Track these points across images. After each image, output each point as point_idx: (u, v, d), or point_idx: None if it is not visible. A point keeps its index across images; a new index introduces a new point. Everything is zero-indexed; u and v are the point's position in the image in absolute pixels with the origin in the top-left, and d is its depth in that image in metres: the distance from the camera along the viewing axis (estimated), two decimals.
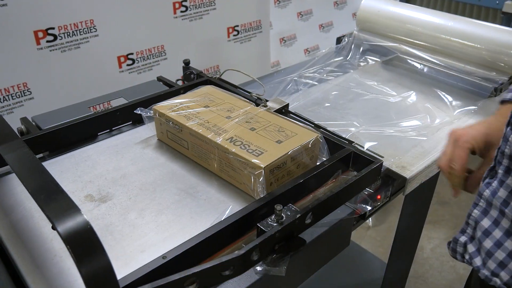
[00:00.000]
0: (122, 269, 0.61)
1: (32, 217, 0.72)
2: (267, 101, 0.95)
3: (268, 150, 0.76)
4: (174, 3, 1.67)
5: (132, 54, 1.63)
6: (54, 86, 1.47)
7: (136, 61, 1.66)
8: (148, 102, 0.96)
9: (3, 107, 1.41)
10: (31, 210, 0.73)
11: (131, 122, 1.00)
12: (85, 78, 1.52)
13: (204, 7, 1.76)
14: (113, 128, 0.98)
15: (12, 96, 1.41)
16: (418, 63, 1.27)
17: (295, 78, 1.17)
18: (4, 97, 1.39)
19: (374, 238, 2.11)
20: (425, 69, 1.26)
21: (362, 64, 1.32)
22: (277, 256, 0.65)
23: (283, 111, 0.94)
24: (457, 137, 0.73)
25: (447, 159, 0.73)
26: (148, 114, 0.92)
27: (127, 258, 0.65)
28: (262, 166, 0.72)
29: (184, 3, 1.69)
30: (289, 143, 0.78)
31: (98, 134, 0.95)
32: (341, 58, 1.35)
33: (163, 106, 0.90)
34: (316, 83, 1.19)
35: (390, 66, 1.32)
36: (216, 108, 0.89)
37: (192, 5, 1.72)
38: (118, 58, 1.61)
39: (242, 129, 0.82)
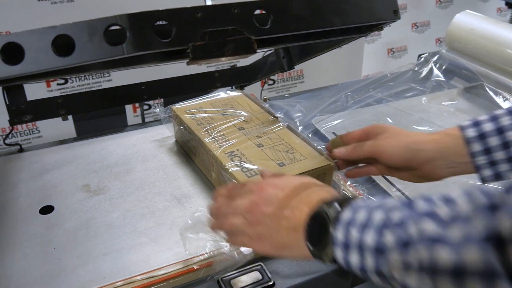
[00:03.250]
0: (80, 268, 0.61)
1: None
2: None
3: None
4: None
5: None
6: None
7: None
8: None
9: None
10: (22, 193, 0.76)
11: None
12: None
13: None
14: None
15: None
16: (506, 97, 1.08)
17: (346, 94, 1.06)
18: None
19: None
20: None
21: (437, 87, 1.16)
22: None
23: None
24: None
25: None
26: (166, 114, 0.88)
27: (89, 258, 0.63)
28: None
29: None
30: (292, 167, 0.70)
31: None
32: (415, 78, 1.20)
33: (181, 107, 0.86)
34: (374, 103, 1.07)
35: (470, 95, 1.14)
36: (233, 116, 0.84)
37: None
38: None
39: (248, 144, 0.75)
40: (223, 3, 0.50)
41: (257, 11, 0.51)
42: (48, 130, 1.59)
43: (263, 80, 1.02)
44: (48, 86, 1.50)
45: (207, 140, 0.76)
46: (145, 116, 1.58)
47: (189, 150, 0.85)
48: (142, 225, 0.69)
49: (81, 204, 0.73)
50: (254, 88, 1.11)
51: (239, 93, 0.94)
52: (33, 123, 1.56)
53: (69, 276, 0.61)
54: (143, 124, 0.99)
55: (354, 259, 0.40)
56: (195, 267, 0.60)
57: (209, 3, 0.58)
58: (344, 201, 0.43)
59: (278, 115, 0.85)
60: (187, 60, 0.49)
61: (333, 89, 1.12)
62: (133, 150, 0.87)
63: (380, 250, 0.37)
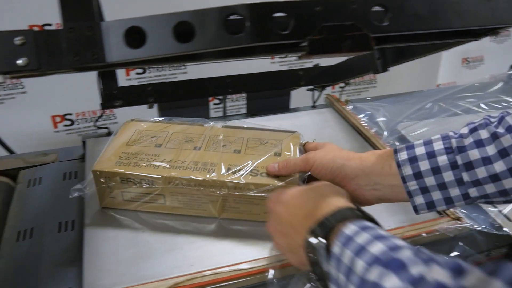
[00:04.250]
0: (168, 253, 0.62)
1: None
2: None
3: None
4: None
5: None
6: None
7: None
8: None
9: None
10: None
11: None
12: None
13: None
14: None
15: None
16: None
17: (433, 101, 1.02)
18: None
19: None
20: None
21: None
22: None
23: None
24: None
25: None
26: (88, 188, 0.67)
27: (176, 244, 0.64)
28: (296, 182, 0.64)
29: None
30: (286, 150, 0.71)
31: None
32: (505, 89, 1.13)
33: (102, 164, 0.67)
34: (460, 112, 1.02)
35: None
36: (170, 143, 0.72)
37: None
38: None
39: (227, 156, 0.69)
40: None
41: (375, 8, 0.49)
42: (123, 117, 1.65)
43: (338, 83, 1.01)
44: (127, 75, 1.55)
45: (192, 176, 0.64)
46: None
47: (144, 205, 0.68)
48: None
49: None
50: (302, 94, 1.08)
51: (130, 123, 0.79)
52: (111, 109, 1.63)
53: (157, 259, 0.62)
54: (224, 117, 1.00)
55: None
56: (281, 264, 0.60)
57: None
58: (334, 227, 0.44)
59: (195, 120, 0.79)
60: (300, 54, 0.48)
61: (418, 96, 1.08)
62: None
63: None
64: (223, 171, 0.65)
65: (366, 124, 0.91)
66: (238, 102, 1.67)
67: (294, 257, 0.51)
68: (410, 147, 0.54)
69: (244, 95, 1.00)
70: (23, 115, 1.54)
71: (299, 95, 1.06)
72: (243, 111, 1.00)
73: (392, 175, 0.54)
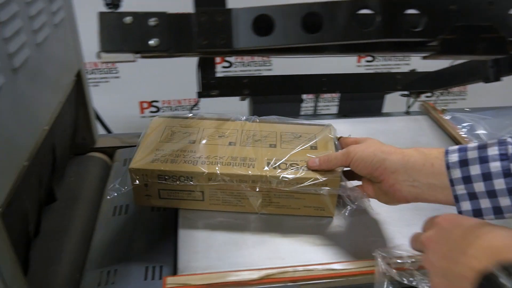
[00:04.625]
0: (260, 244, 0.63)
1: None
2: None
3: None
4: None
5: None
6: None
7: None
8: None
9: None
10: None
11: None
12: None
13: None
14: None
15: None
16: None
17: None
18: None
19: None
20: None
21: None
22: None
23: None
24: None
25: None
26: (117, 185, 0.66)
27: (267, 235, 0.64)
28: (338, 177, 0.63)
29: None
30: (322, 143, 0.70)
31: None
32: None
33: (138, 162, 0.66)
34: None
35: None
36: (204, 139, 0.71)
37: None
38: None
39: (264, 150, 0.68)
40: None
41: None
42: (205, 108, 1.69)
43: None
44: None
45: (233, 171, 0.64)
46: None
47: (181, 202, 0.68)
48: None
49: None
50: (393, 99, 1.03)
51: (158, 119, 0.78)
52: (195, 98, 1.67)
53: (249, 249, 0.62)
54: (314, 115, 0.99)
55: None
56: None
57: None
58: None
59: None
60: (426, 54, 0.46)
61: None
62: None
63: None
64: (264, 166, 0.65)
65: (465, 135, 0.86)
66: (326, 102, 1.66)
67: (444, 284, 0.43)
68: (463, 149, 0.51)
69: (335, 95, 0.98)
70: (114, 98, 1.62)
71: (390, 100, 1.03)
72: (332, 111, 0.98)
73: (432, 173, 0.52)
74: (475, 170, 0.49)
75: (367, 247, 0.60)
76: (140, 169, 0.64)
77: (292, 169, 0.64)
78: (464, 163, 0.50)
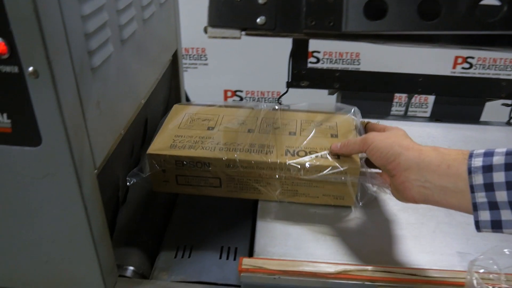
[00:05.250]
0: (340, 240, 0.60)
1: None
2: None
3: None
4: None
5: None
6: None
7: None
8: None
9: None
10: None
11: None
12: None
13: None
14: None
15: None
16: None
17: None
18: None
19: None
20: None
21: None
22: None
23: None
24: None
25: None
26: (137, 171, 0.66)
27: (347, 233, 0.63)
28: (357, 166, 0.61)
29: None
30: (343, 131, 0.69)
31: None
32: None
33: (156, 148, 0.66)
34: None
35: None
36: (223, 126, 0.71)
37: None
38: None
39: (283, 138, 0.67)
40: None
41: None
42: (289, 102, 1.69)
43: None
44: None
45: (252, 158, 0.63)
46: None
47: (197, 188, 0.68)
48: (403, 217, 0.66)
49: None
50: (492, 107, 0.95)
51: (178, 106, 0.78)
52: (278, 91, 1.68)
53: (327, 242, 0.61)
54: (405, 116, 0.95)
55: None
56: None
57: None
58: None
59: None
60: None
61: None
62: None
63: None
64: (282, 153, 0.64)
65: None
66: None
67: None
68: (489, 153, 0.45)
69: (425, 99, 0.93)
70: (200, 84, 1.67)
71: (490, 108, 0.96)
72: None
73: (447, 176, 0.48)
74: (499, 177, 0.44)
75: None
76: (158, 155, 0.65)
77: (311, 157, 0.63)
78: (488, 168, 0.45)
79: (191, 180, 0.67)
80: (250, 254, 0.64)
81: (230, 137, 0.68)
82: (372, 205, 0.67)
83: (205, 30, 0.47)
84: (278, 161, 0.63)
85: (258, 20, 0.45)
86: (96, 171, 0.52)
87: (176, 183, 0.67)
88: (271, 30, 0.45)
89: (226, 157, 0.63)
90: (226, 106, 0.78)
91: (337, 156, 0.63)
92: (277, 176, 0.64)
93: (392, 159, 0.53)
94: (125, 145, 0.67)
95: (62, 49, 0.41)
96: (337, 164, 0.62)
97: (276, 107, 0.76)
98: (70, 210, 0.49)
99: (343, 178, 0.62)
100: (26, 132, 0.44)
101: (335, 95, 0.95)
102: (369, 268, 0.56)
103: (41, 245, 0.53)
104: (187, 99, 0.99)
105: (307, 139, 0.67)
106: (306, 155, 0.64)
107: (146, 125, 0.78)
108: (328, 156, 0.63)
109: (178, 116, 0.75)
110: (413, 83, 0.87)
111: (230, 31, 0.45)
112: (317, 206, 0.67)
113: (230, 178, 0.66)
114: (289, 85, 0.88)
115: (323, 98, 0.96)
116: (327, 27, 0.43)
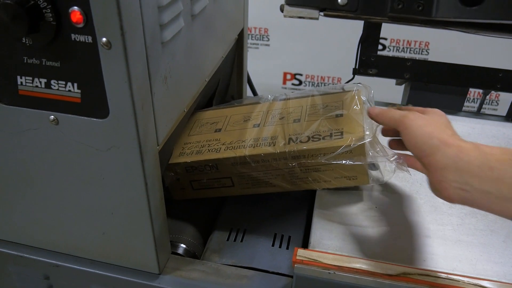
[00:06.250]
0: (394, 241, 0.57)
1: None
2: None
3: (345, 126, 0.62)
4: None
5: None
6: None
7: None
8: None
9: None
10: None
11: None
12: None
13: None
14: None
15: None
16: None
17: None
18: None
19: None
20: None
21: None
22: None
23: None
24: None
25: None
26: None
27: (408, 234, 0.59)
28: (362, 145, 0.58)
29: None
30: (348, 109, 0.65)
31: None
32: None
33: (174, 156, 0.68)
34: None
35: None
36: (230, 126, 0.71)
37: None
38: None
39: (286, 127, 0.66)
40: None
41: None
42: None
43: None
44: None
45: (259, 152, 0.62)
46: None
47: (210, 191, 0.68)
48: (471, 222, 0.61)
49: (405, 176, 0.69)
50: None
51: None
52: (339, 77, 1.63)
53: (388, 242, 0.58)
54: (478, 114, 0.88)
55: None
56: None
57: None
58: None
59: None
60: None
61: None
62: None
63: None
64: (283, 142, 0.63)
65: None
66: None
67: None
68: None
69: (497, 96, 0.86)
70: (260, 64, 1.65)
71: None
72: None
73: (490, 180, 0.41)
74: None
75: None
76: (170, 164, 0.66)
77: (312, 141, 0.61)
78: None
79: (205, 184, 0.68)
80: (304, 245, 0.62)
81: (236, 135, 0.68)
82: (440, 209, 0.63)
83: (281, 9, 0.44)
84: (279, 151, 0.62)
85: (339, 0, 0.42)
86: (158, 147, 0.51)
87: (192, 188, 0.68)
88: (353, 12, 0.42)
89: (229, 156, 0.64)
90: (234, 106, 0.78)
91: (340, 134, 0.61)
92: (288, 165, 0.62)
93: (429, 152, 0.47)
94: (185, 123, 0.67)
95: (135, 20, 0.40)
96: (339, 143, 0.59)
97: (285, 97, 0.75)
98: (131, 184, 0.49)
99: (349, 161, 0.60)
100: (94, 104, 0.44)
101: (403, 85, 0.90)
102: (430, 273, 0.52)
103: (100, 216, 0.53)
104: (249, 80, 0.97)
105: (311, 124, 0.65)
106: (308, 140, 0.62)
107: (208, 104, 0.78)
108: (332, 136, 0.62)
109: (187, 125, 0.76)
110: (492, 78, 0.80)
111: (308, 10, 0.43)
112: (377, 203, 0.64)
113: (240, 176, 0.65)
114: (356, 72, 0.85)
115: (388, 88, 0.91)
116: (415, 11, 0.40)
